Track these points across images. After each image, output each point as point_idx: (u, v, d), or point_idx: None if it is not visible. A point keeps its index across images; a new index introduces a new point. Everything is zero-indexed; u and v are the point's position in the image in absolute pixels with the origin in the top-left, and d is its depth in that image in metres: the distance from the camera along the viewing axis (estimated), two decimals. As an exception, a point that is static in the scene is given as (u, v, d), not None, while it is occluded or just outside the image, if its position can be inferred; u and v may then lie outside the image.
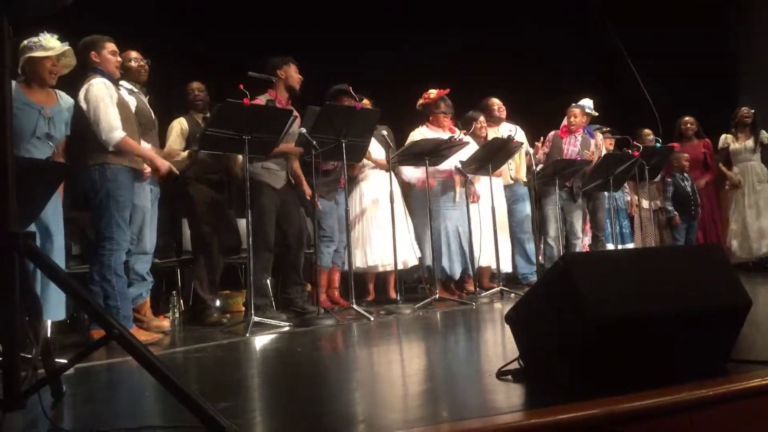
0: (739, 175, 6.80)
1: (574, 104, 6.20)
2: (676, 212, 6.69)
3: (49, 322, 3.22)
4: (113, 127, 3.66)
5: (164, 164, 3.92)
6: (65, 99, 3.57)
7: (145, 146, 3.97)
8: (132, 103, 4.00)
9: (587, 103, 6.29)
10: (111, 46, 3.87)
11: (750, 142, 6.75)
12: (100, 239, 3.71)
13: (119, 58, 3.93)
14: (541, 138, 6.28)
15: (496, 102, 6.19)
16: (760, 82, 7.56)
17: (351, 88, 4.59)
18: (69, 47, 3.46)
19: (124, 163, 3.74)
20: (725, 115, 7.06)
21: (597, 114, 6.39)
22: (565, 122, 6.23)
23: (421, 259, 5.40)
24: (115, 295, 3.67)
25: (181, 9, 5.97)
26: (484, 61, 6.87)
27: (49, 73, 3.40)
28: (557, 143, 6.18)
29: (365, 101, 5.27)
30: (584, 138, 6.22)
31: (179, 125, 4.65)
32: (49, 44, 3.36)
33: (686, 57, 7.32)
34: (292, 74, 4.62)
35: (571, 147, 6.15)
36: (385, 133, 5.30)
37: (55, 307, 3.23)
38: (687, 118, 7.09)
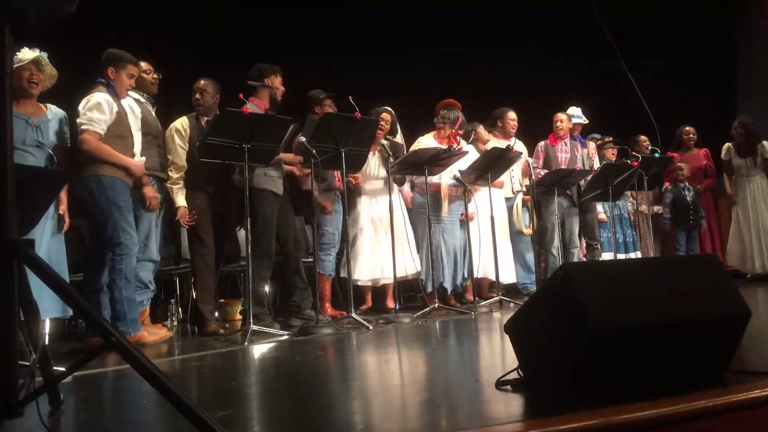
0: (739, 189, 6.69)
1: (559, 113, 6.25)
2: (669, 220, 6.67)
3: (47, 330, 3.22)
4: (93, 121, 3.75)
5: (134, 163, 3.92)
6: (54, 111, 3.74)
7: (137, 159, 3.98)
8: (137, 111, 4.03)
9: (574, 111, 6.32)
10: (132, 70, 3.98)
11: (750, 160, 6.60)
12: (107, 246, 3.75)
13: (133, 83, 4.00)
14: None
15: (512, 116, 6.18)
16: (760, 88, 7.58)
17: (351, 98, 4.59)
18: (42, 55, 3.58)
19: (117, 175, 3.81)
20: (725, 120, 7.05)
21: (587, 122, 6.41)
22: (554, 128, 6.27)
23: (419, 272, 5.38)
24: (122, 300, 3.72)
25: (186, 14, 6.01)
26: (480, 70, 6.91)
27: (29, 82, 3.54)
28: (550, 152, 6.20)
29: (384, 115, 5.29)
30: (572, 143, 6.26)
31: (180, 127, 4.46)
32: (24, 56, 3.52)
33: (684, 62, 7.35)
34: (278, 85, 4.62)
35: (564, 154, 6.19)
36: (385, 142, 5.32)
37: (49, 303, 3.25)
38: (688, 128, 7.06)
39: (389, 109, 5.44)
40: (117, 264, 3.72)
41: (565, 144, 6.23)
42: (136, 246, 3.86)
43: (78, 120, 3.76)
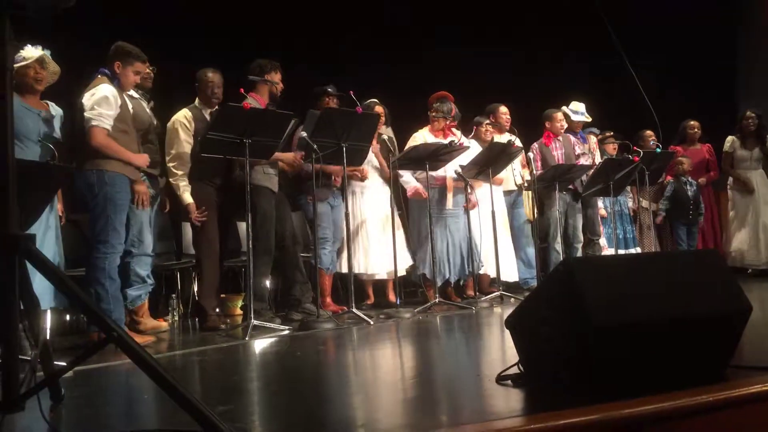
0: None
1: (553, 109, 6.23)
2: (663, 212, 6.66)
3: (48, 324, 3.23)
4: (101, 116, 3.73)
5: (142, 159, 3.95)
6: (54, 107, 3.83)
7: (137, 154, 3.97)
8: (129, 106, 4.03)
9: (578, 107, 6.29)
10: (140, 67, 3.98)
11: (756, 151, 6.58)
12: (95, 242, 3.74)
13: (138, 80, 4.02)
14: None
15: (504, 110, 6.16)
16: (761, 88, 7.56)
17: (352, 92, 4.58)
18: (45, 52, 3.64)
19: (118, 170, 3.79)
20: (726, 116, 7.03)
21: (590, 119, 6.37)
22: (548, 127, 6.21)
23: (413, 265, 5.40)
24: (107, 299, 3.69)
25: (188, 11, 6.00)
26: (481, 65, 6.89)
27: (34, 80, 3.62)
28: (545, 152, 6.16)
29: (378, 108, 5.28)
30: (565, 137, 6.23)
31: (184, 120, 4.41)
32: (28, 54, 3.61)
33: (687, 57, 7.33)
34: (277, 80, 4.62)
35: (558, 151, 6.15)
36: (385, 137, 5.30)
37: (40, 295, 3.27)
38: (692, 122, 7.02)
39: (377, 101, 5.45)
40: (101, 262, 3.69)
41: (558, 141, 6.20)
42: (122, 245, 3.84)
43: (86, 114, 3.71)
